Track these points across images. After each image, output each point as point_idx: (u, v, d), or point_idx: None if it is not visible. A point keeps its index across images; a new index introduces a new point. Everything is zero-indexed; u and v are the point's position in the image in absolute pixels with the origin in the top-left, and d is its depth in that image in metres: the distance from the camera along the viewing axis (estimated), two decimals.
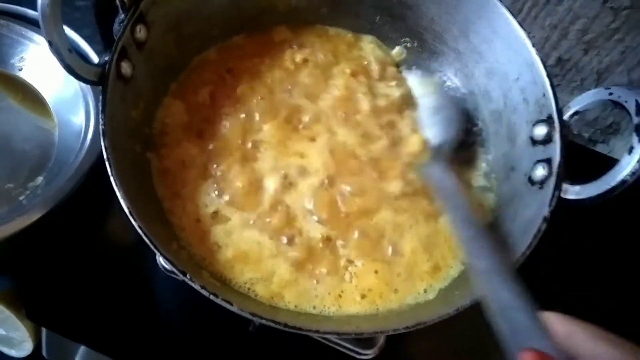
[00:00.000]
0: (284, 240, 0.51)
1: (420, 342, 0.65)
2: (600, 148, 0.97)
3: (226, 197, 0.52)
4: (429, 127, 0.59)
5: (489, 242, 0.44)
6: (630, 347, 0.33)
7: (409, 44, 0.65)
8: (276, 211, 0.52)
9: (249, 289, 0.48)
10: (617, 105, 0.45)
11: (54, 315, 0.59)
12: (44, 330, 0.62)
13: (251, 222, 0.51)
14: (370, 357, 0.57)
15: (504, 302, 0.37)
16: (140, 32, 0.50)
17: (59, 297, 0.60)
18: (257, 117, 0.56)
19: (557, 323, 0.34)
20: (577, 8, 0.76)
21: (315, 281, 0.50)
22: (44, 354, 0.65)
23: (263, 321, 0.40)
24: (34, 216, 0.57)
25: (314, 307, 0.49)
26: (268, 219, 0.51)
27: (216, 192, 0.52)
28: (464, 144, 0.60)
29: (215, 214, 0.51)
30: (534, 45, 0.52)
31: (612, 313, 0.68)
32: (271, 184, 0.53)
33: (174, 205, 0.51)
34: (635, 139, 0.42)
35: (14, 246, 0.58)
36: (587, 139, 0.98)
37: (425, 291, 0.50)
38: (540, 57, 0.51)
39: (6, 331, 0.61)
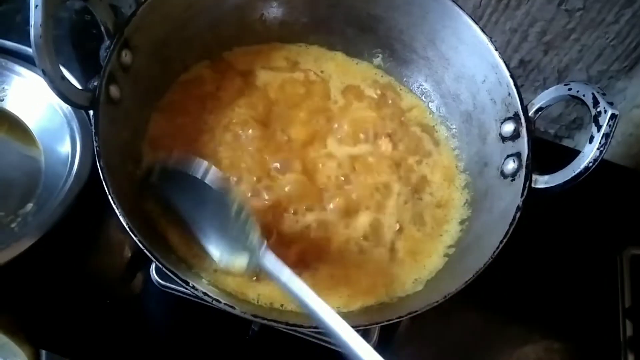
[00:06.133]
0: None
1: (410, 339, 0.68)
2: (566, 143, 1.02)
3: None
4: None
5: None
6: None
7: (380, 55, 0.68)
8: None
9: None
10: (577, 99, 0.49)
11: (54, 338, 0.60)
12: (43, 353, 0.62)
13: None
14: None
15: None
16: (126, 57, 0.52)
17: (57, 319, 0.61)
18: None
19: None
20: (534, 12, 0.81)
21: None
22: None
23: (265, 322, 0.42)
24: (27, 242, 0.58)
25: None
26: None
27: None
28: None
29: None
30: (496, 49, 0.56)
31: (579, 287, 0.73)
32: None
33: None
34: (594, 128, 0.46)
35: (9, 272, 0.59)
36: (553, 135, 1.03)
37: (413, 283, 0.53)
38: (503, 59, 0.55)
39: (4, 357, 0.62)
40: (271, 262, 0.45)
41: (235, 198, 0.47)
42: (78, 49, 0.80)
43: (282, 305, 0.50)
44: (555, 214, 0.77)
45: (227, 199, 0.46)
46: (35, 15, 0.43)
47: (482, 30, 0.57)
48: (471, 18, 0.57)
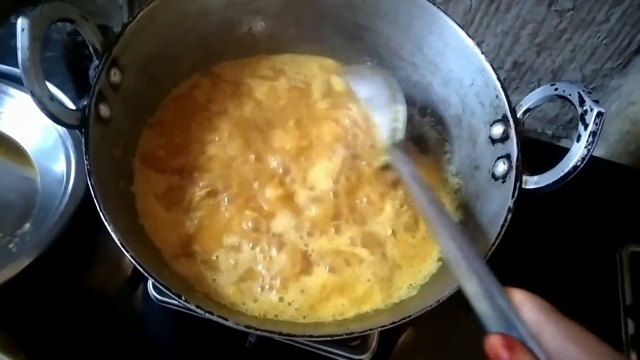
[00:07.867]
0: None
1: (412, 347, 0.68)
2: (564, 143, 1.02)
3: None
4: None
5: (457, 231, 0.44)
6: (602, 351, 0.31)
7: (369, 62, 0.69)
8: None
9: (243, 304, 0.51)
10: (563, 98, 0.49)
11: (53, 356, 0.60)
12: None
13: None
14: None
15: (475, 289, 0.38)
16: (115, 76, 0.53)
17: (56, 338, 0.61)
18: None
19: (529, 311, 0.34)
20: (525, 14, 0.81)
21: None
22: None
23: (259, 332, 0.42)
24: (25, 262, 0.59)
25: (304, 317, 0.51)
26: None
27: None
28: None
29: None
30: (482, 52, 0.56)
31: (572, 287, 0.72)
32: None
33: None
34: (581, 127, 0.46)
35: (7, 292, 0.59)
36: (551, 136, 1.02)
37: (408, 288, 0.53)
38: (489, 62, 0.55)
39: None
40: (397, 157, 0.55)
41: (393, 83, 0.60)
42: (72, 69, 0.81)
43: (275, 316, 0.50)
44: (554, 212, 0.77)
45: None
46: (22, 38, 0.43)
47: (468, 34, 0.57)
48: (456, 23, 0.58)
